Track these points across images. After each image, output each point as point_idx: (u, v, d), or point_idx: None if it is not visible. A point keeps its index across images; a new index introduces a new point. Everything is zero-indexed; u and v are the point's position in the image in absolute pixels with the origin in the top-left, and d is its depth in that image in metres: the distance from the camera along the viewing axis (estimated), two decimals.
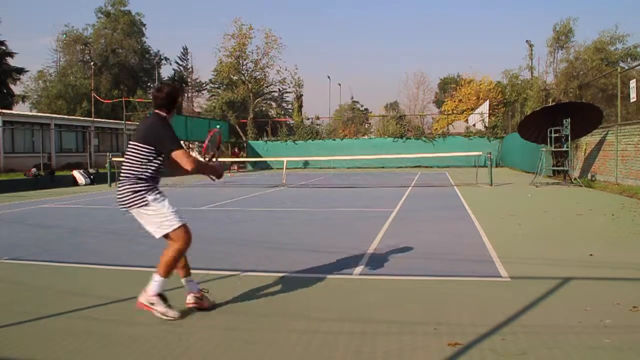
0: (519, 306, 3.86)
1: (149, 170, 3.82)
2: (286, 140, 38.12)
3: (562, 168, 17.19)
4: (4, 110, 30.51)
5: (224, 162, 36.67)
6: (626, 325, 3.45)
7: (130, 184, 3.79)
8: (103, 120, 39.72)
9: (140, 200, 3.81)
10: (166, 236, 3.83)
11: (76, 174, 21.82)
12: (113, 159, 21.40)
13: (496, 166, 26.68)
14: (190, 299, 3.85)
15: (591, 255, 5.70)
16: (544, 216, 9.11)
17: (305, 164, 34.92)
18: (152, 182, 3.86)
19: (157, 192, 3.88)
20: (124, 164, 3.85)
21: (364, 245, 6.51)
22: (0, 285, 4.92)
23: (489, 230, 7.55)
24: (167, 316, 3.70)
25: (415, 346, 3.16)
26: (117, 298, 4.31)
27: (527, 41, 32.49)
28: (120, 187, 3.84)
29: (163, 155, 3.82)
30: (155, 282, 3.73)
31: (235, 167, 34.80)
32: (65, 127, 34.05)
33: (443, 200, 12.36)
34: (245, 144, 39.89)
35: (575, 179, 16.51)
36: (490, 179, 16.74)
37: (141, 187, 3.81)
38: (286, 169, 21.41)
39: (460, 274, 5.04)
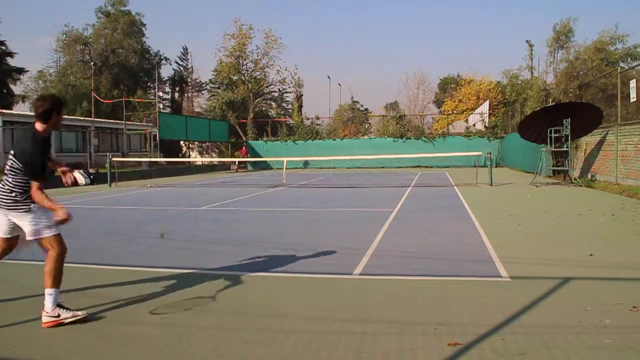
0: (518, 306, 3.86)
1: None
2: (286, 140, 38.11)
3: (562, 168, 17.19)
4: (4, 110, 30.50)
5: (224, 161, 36.82)
6: (626, 325, 3.45)
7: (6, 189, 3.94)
8: (103, 120, 39.71)
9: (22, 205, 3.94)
10: (41, 243, 3.98)
11: (76, 174, 21.79)
12: (113, 159, 21.41)
13: (496, 166, 26.68)
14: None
15: (591, 255, 5.70)
16: (544, 216, 9.11)
17: (305, 164, 34.92)
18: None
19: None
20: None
21: (364, 245, 6.51)
22: (0, 285, 4.91)
23: (489, 230, 7.55)
24: (78, 316, 3.71)
25: (415, 346, 3.15)
26: (116, 298, 4.31)
27: (527, 41, 32.53)
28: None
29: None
30: (50, 295, 3.73)
31: (235, 167, 34.68)
32: (65, 127, 33.98)
33: (443, 201, 12.36)
34: (245, 144, 39.89)
35: (575, 179, 16.51)
36: (490, 179, 16.74)
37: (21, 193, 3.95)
38: (286, 169, 21.41)
39: (460, 274, 5.04)
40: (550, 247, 6.34)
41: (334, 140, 38.17)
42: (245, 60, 45.04)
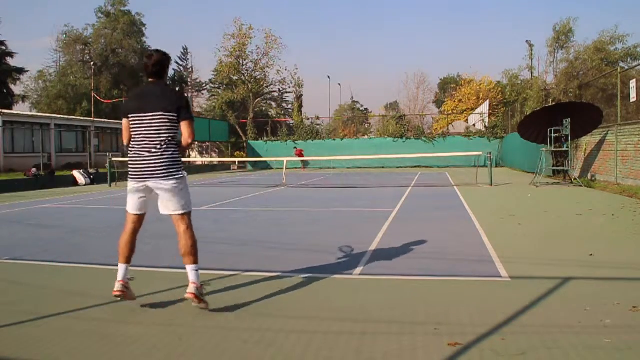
0: (518, 306, 3.86)
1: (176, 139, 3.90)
2: (286, 140, 38.11)
3: (562, 168, 17.20)
4: (4, 110, 30.51)
5: (224, 161, 36.70)
6: (626, 325, 3.45)
7: (169, 152, 3.83)
8: (103, 120, 39.72)
9: (177, 171, 3.86)
10: (179, 218, 3.91)
11: (76, 174, 21.82)
12: (113, 159, 21.41)
13: (496, 166, 26.70)
14: (120, 287, 3.92)
15: (591, 255, 5.70)
16: (544, 216, 9.11)
17: (306, 164, 34.94)
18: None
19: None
20: (147, 133, 3.84)
21: (364, 245, 6.51)
22: (0, 285, 4.91)
23: (489, 230, 7.55)
24: (206, 307, 3.84)
25: (415, 346, 3.16)
26: (117, 298, 4.30)
27: (527, 41, 32.56)
28: (151, 155, 3.82)
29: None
30: (196, 271, 3.84)
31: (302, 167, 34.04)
32: (65, 127, 34.06)
33: (443, 200, 12.36)
34: (245, 144, 39.88)
35: (575, 179, 16.51)
36: (490, 179, 16.74)
37: (178, 156, 3.90)
38: (286, 169, 21.41)
39: (460, 274, 5.03)
40: (550, 247, 6.34)
41: (334, 140, 38.18)
42: (245, 60, 45.11)
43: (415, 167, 32.64)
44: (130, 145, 3.93)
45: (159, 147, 3.80)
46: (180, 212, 3.90)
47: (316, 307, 4.00)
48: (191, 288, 3.77)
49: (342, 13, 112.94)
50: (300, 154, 33.95)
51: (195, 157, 46.48)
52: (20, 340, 3.39)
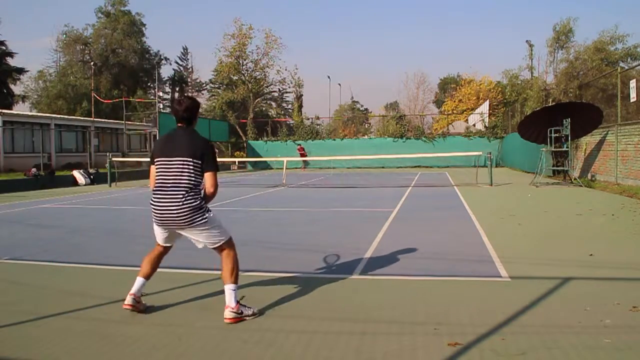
0: (518, 306, 3.86)
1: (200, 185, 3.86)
2: (286, 140, 38.10)
3: (562, 168, 17.19)
4: (4, 110, 30.50)
5: (225, 161, 36.70)
6: (626, 325, 3.45)
7: (192, 199, 3.74)
8: (103, 120, 39.73)
9: (202, 216, 3.79)
10: (217, 248, 3.92)
11: (76, 174, 21.82)
12: (113, 159, 21.41)
13: (496, 166, 26.69)
14: (131, 300, 3.83)
15: (591, 255, 5.70)
16: (544, 216, 9.11)
17: (306, 164, 34.93)
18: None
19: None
20: (171, 178, 3.79)
21: (364, 245, 6.51)
22: (0, 285, 4.91)
23: (489, 230, 7.55)
24: (255, 314, 3.79)
25: (415, 346, 3.16)
26: (117, 298, 4.30)
27: (527, 41, 32.56)
28: (174, 203, 3.73)
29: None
30: (233, 291, 3.75)
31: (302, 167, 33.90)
32: (65, 127, 34.05)
33: (443, 200, 12.36)
34: (245, 144, 39.88)
35: (575, 179, 16.51)
36: (490, 179, 16.74)
37: (201, 203, 3.81)
38: (286, 169, 21.41)
39: (460, 274, 5.03)
40: (550, 247, 6.34)
41: (334, 140, 38.17)
42: (245, 60, 45.10)
43: (415, 167, 32.63)
44: (154, 190, 3.85)
45: (182, 194, 3.70)
46: (216, 245, 3.89)
47: (316, 307, 4.00)
48: (226, 313, 3.70)
49: (343, 13, 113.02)
50: (302, 153, 33.81)
51: None
52: (20, 340, 3.39)
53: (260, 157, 36.55)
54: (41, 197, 15.56)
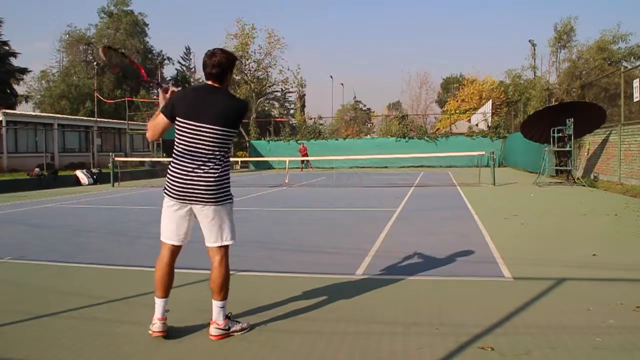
0: (522, 306, 3.86)
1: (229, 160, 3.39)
2: (289, 140, 38.11)
3: (565, 168, 17.15)
4: (7, 110, 30.56)
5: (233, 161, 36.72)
6: (630, 325, 3.44)
7: (220, 172, 3.26)
8: (106, 120, 39.78)
9: (228, 195, 3.33)
10: (218, 249, 3.39)
11: (79, 173, 21.87)
12: (116, 158, 21.44)
13: (499, 166, 26.65)
14: (162, 326, 3.35)
15: (594, 255, 5.68)
16: (547, 216, 9.09)
17: (305, 164, 34.94)
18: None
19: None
20: (201, 147, 3.23)
21: (367, 245, 6.50)
22: (2, 285, 4.92)
23: (491, 230, 7.54)
24: (245, 329, 3.44)
25: (420, 346, 3.15)
26: (119, 298, 4.32)
27: (529, 41, 32.52)
28: (202, 175, 3.22)
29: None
30: (221, 308, 3.35)
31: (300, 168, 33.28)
32: (68, 127, 34.12)
33: (446, 200, 12.35)
34: (247, 144, 39.90)
35: (578, 178, 16.47)
36: (493, 179, 16.72)
37: (228, 178, 3.35)
38: (288, 168, 21.41)
39: (463, 274, 5.03)
40: (553, 247, 6.33)
41: (337, 140, 38.17)
42: (247, 60, 45.06)
43: (417, 167, 32.61)
44: (175, 158, 3.30)
45: (213, 165, 3.22)
46: (224, 244, 3.39)
47: (320, 308, 3.99)
48: (211, 330, 3.33)
49: (344, 13, 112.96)
50: (304, 153, 33.64)
51: None
52: (21, 340, 3.40)
53: (263, 157, 36.57)
54: (44, 197, 15.60)
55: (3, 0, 70.50)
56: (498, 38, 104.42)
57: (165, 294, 3.39)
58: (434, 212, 10.05)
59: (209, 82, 3.31)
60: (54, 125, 31.99)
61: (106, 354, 3.13)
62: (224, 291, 3.35)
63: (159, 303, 3.37)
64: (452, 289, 4.51)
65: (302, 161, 32.44)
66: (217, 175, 3.23)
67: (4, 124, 27.60)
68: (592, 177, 16.89)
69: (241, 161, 36.65)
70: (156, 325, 3.32)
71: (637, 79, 14.77)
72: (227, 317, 3.37)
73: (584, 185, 15.31)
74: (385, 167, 33.54)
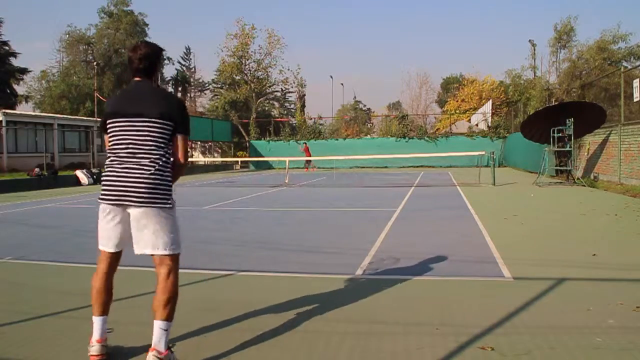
0: (522, 306, 3.86)
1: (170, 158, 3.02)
2: (289, 140, 38.12)
3: (565, 168, 17.15)
4: (7, 110, 30.58)
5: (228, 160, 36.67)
6: (630, 325, 3.44)
7: (161, 172, 2.93)
8: None
9: (164, 198, 2.94)
10: (163, 258, 2.97)
11: (79, 173, 21.86)
12: None
13: (499, 166, 26.64)
14: (100, 349, 3.00)
15: (594, 255, 5.68)
16: (547, 216, 9.09)
17: (308, 164, 34.92)
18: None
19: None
20: (133, 143, 2.94)
21: (367, 245, 6.50)
22: (2, 285, 4.93)
23: (492, 230, 7.54)
24: None
25: (421, 346, 3.15)
26: (119, 298, 4.30)
27: (529, 41, 32.52)
28: (136, 173, 2.90)
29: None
30: (164, 331, 2.88)
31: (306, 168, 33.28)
32: (68, 127, 34.13)
33: (446, 200, 12.34)
34: (247, 144, 39.89)
35: (578, 178, 16.47)
36: (493, 179, 16.72)
37: (170, 179, 3.00)
38: (288, 168, 21.41)
39: (463, 274, 5.03)
40: (553, 247, 6.33)
41: (337, 140, 38.17)
42: (247, 60, 45.07)
43: (417, 167, 32.61)
44: (107, 162, 3.01)
45: (148, 163, 2.89)
46: (166, 252, 2.95)
47: (319, 308, 3.99)
48: (150, 358, 2.83)
49: (344, 13, 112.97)
50: (307, 152, 33.58)
51: (197, 157, 46.53)
52: (21, 340, 3.39)
53: (263, 157, 36.57)
54: (44, 197, 15.60)
55: (3, 0, 70.53)
56: (498, 38, 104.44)
57: (103, 311, 3.09)
58: (434, 212, 10.05)
59: (137, 79, 3.07)
60: (54, 125, 32.00)
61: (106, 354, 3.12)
62: (169, 308, 2.91)
63: (97, 322, 3.05)
64: (452, 289, 4.52)
65: (307, 161, 32.55)
66: (149, 173, 2.88)
67: (4, 124, 27.60)
68: (592, 177, 16.89)
69: (241, 161, 36.64)
70: (94, 348, 2.98)
71: (637, 79, 14.77)
72: (169, 348, 2.91)
73: (584, 185, 15.31)
74: (385, 167, 33.53)
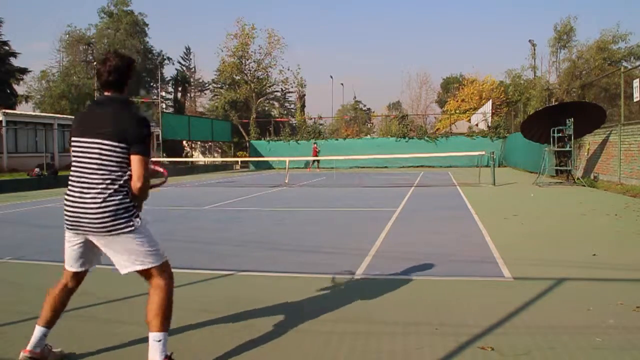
0: (522, 306, 3.86)
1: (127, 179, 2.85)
2: (289, 140, 38.12)
3: (565, 168, 17.15)
4: (7, 110, 30.55)
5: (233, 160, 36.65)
6: (630, 325, 3.44)
7: (115, 198, 2.78)
8: None
9: (124, 223, 2.79)
10: (144, 272, 2.92)
11: None
12: None
13: (499, 166, 26.64)
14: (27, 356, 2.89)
15: (594, 255, 5.68)
16: (547, 216, 9.09)
17: (307, 163, 34.94)
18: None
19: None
20: (85, 167, 2.82)
21: (367, 245, 6.50)
22: (2, 285, 4.93)
23: (491, 230, 7.54)
24: None
25: (420, 345, 3.15)
26: (118, 297, 4.32)
27: (529, 41, 32.51)
28: (89, 201, 2.77)
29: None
30: (158, 342, 2.81)
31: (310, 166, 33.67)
32: (68, 127, 34.05)
33: (446, 200, 12.34)
34: (247, 144, 39.89)
35: (578, 178, 16.47)
36: (493, 179, 16.72)
37: (128, 203, 2.83)
38: (288, 168, 21.40)
39: (463, 274, 5.03)
40: (553, 247, 6.33)
41: (337, 140, 38.17)
42: (247, 60, 45.10)
43: (418, 167, 32.62)
44: (69, 181, 2.90)
45: (102, 189, 2.75)
46: (147, 267, 2.89)
47: (318, 308, 3.99)
48: None
49: (344, 13, 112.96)
50: (315, 153, 33.56)
51: (197, 157, 46.56)
52: (20, 340, 3.39)
53: (263, 157, 36.57)
54: (44, 197, 15.59)
55: (3, 0, 70.52)
56: (498, 38, 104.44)
57: (46, 323, 2.96)
58: (434, 212, 10.05)
59: (107, 93, 2.91)
60: (54, 125, 31.98)
61: (106, 354, 3.13)
62: (161, 318, 2.83)
63: (37, 331, 2.93)
64: (452, 289, 4.51)
65: (313, 160, 32.69)
66: (101, 200, 2.74)
67: (4, 124, 27.58)
68: (592, 177, 16.89)
69: (241, 161, 36.64)
70: (20, 355, 2.88)
71: (637, 79, 14.77)
72: (167, 357, 2.83)
73: (584, 185, 15.31)
74: (385, 167, 33.54)
